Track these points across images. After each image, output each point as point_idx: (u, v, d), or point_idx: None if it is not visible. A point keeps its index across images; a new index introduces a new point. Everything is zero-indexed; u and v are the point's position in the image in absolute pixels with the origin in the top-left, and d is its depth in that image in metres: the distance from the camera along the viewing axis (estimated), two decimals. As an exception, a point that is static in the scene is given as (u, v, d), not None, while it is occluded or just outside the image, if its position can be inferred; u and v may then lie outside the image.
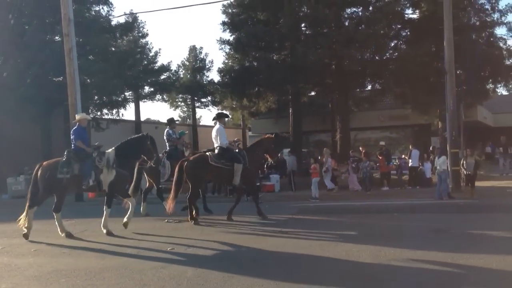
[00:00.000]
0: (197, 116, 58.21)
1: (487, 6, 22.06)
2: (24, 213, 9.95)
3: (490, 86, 24.07)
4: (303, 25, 23.38)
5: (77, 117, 11.22)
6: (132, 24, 30.01)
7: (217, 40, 24.68)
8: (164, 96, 42.80)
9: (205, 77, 47.19)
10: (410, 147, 20.55)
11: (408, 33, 23.32)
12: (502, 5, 22.04)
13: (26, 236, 9.77)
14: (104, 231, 10.01)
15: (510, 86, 27.77)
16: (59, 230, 10.04)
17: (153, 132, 43.18)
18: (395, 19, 22.23)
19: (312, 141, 35.17)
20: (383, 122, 29.20)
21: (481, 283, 5.67)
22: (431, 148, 21.68)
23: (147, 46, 37.00)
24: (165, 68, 36.74)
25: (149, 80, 35.26)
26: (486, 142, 30.07)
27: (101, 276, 6.50)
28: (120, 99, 28.25)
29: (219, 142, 11.47)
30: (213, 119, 12.49)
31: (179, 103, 50.61)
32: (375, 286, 5.66)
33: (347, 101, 25.24)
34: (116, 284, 6.09)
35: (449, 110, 17.49)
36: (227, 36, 24.99)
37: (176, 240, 8.99)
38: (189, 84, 45.06)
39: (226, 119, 12.97)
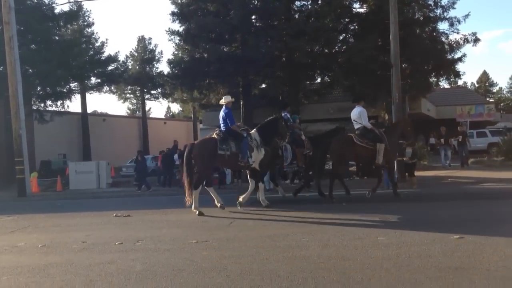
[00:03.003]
0: (147, 108, 57.28)
1: (430, 2, 22.86)
2: (191, 195, 10.99)
3: (433, 79, 24.96)
4: (253, 17, 23.38)
5: (225, 100, 12.00)
6: (76, 13, 29.05)
7: (166, 31, 24.26)
8: (112, 88, 41.79)
9: (154, 68, 46.56)
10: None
11: (356, 26, 23.83)
12: (444, 1, 22.85)
13: (201, 213, 10.87)
14: (264, 204, 11.63)
15: (452, 79, 28.84)
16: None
17: (101, 124, 42.05)
18: (343, 13, 22.65)
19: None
20: (333, 114, 29.71)
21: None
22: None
23: (93, 36, 36.00)
24: (112, 58, 35.83)
25: (95, 71, 34.29)
26: (430, 133, 31.27)
27: (46, 272, 6.27)
28: (65, 90, 27.38)
29: (363, 123, 12.20)
30: (353, 101, 13.07)
31: (127, 95, 49.67)
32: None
33: (298, 93, 25.53)
34: (61, 280, 5.89)
35: (395, 103, 18.03)
36: (177, 26, 24.52)
37: (124, 235, 8.80)
38: (138, 76, 44.25)
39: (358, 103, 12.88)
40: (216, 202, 11.72)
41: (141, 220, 10.83)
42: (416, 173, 16.09)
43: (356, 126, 12.42)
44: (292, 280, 5.44)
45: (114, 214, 11.52)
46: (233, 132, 11.57)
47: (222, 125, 11.81)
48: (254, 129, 11.99)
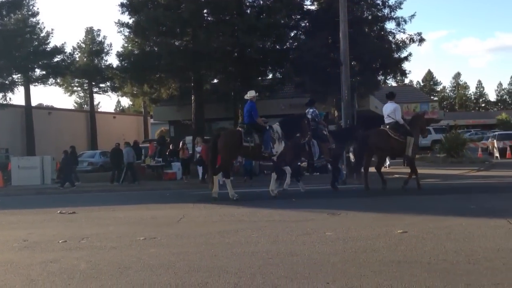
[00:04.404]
0: (95, 102, 55.80)
1: (379, 1, 23.38)
2: (212, 180, 12.23)
3: (381, 77, 25.61)
4: (205, 11, 23.15)
5: (250, 94, 12.83)
6: (20, 2, 27.80)
7: (116, 23, 23.60)
8: (58, 80, 40.25)
9: (103, 61, 45.26)
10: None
11: (307, 24, 24.07)
12: (392, 1, 23.47)
13: (215, 199, 12.09)
14: (272, 194, 12.39)
15: (398, 78, 29.73)
16: (230, 194, 12.22)
17: (46, 118, 40.63)
18: (295, 10, 22.81)
19: (215, 129, 35.17)
20: (284, 110, 29.88)
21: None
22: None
23: (38, 26, 34.48)
24: (58, 50, 34.51)
25: (40, 63, 32.94)
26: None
27: (-17, 273, 5.98)
28: (7, 82, 26.19)
29: (396, 118, 12.98)
30: (387, 97, 13.72)
31: (75, 88, 48.06)
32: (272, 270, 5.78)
33: (249, 89, 25.51)
34: (0, 281, 5.63)
35: (344, 100, 18.39)
36: (126, 18, 23.89)
37: (69, 232, 8.52)
38: (85, 68, 42.93)
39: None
40: (230, 195, 12.40)
41: (87, 217, 10.54)
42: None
43: (388, 121, 13.19)
44: (240, 276, 5.43)
45: (59, 211, 11.16)
46: (257, 125, 12.40)
47: (245, 118, 12.69)
48: (277, 123, 12.91)
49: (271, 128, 12.48)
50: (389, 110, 13.19)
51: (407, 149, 12.88)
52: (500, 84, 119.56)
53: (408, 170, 13.79)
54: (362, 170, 13.68)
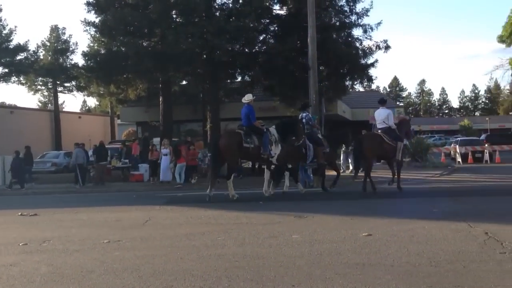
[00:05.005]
0: (60, 101, 54.64)
1: (346, 8, 23.72)
2: (214, 184, 12.63)
3: (349, 82, 25.96)
4: (174, 12, 22.94)
5: (248, 98, 13.23)
6: (-18, -3, 26.88)
7: (82, 21, 23.10)
8: (21, 79, 39.18)
9: (68, 60, 44.34)
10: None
11: (276, 28, 24.19)
12: (359, 8, 23.86)
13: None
14: (266, 194, 12.99)
15: (365, 83, 30.17)
16: (230, 194, 12.49)
17: (8, 117, 39.45)
18: (264, 14, 22.88)
19: (183, 131, 34.97)
20: (254, 113, 30.02)
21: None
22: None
23: (0, 23, 33.54)
24: (21, 47, 33.65)
25: (2, 60, 32.01)
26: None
27: None
28: (-34, 79, 25.29)
29: (389, 123, 13.39)
30: (379, 102, 14.24)
31: (38, 86, 46.83)
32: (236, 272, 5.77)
33: (218, 91, 25.49)
34: (-44, 286, 5.42)
35: (312, 104, 18.53)
36: (93, 17, 23.36)
37: (30, 235, 8.30)
38: (50, 67, 42.00)
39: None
40: (230, 195, 12.67)
41: (49, 219, 10.29)
42: (329, 173, 16.64)
43: (380, 126, 13.62)
44: (206, 279, 5.40)
45: (20, 213, 10.86)
46: (255, 128, 12.84)
47: (243, 121, 13.01)
48: (273, 126, 13.36)
49: (269, 131, 12.98)
50: (383, 116, 13.62)
51: (397, 153, 13.43)
52: (463, 91, 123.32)
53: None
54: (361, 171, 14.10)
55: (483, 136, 39.13)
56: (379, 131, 13.72)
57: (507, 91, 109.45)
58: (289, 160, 13.55)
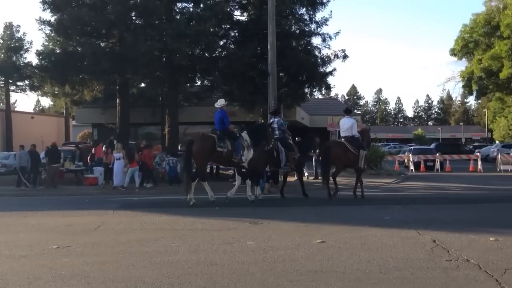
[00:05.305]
0: (12, 100, 52.84)
1: (306, 17, 24.03)
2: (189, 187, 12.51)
3: (307, 90, 26.28)
4: (133, 13, 22.58)
5: (221, 103, 13.41)
6: None
7: (37, 20, 22.38)
8: (-30, 77, 37.66)
9: (22, 58, 42.98)
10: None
11: (237, 33, 24.24)
12: (318, 17, 24.22)
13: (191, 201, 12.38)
14: (250, 199, 13.05)
15: (324, 91, 30.64)
16: (209, 195, 12.75)
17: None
18: (225, 19, 22.87)
19: (141, 134, 34.46)
20: (212, 117, 29.90)
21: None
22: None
23: (-50, 18, 32.13)
24: (-28, 44, 32.26)
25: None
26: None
27: None
28: None
29: (353, 132, 13.81)
30: (344, 112, 14.93)
31: (-11, 85, 45.12)
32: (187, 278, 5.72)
33: (177, 95, 25.26)
34: None
35: (270, 110, 18.65)
36: (48, 16, 22.64)
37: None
38: (2, 65, 40.64)
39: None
40: (209, 196, 12.86)
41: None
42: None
43: (344, 134, 14.06)
44: (157, 286, 5.33)
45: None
46: (229, 132, 13.05)
47: (217, 125, 13.17)
48: (245, 131, 13.69)
49: (241, 136, 13.20)
50: (347, 125, 14.07)
51: (360, 161, 13.87)
52: (417, 101, 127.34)
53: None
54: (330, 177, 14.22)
55: (432, 145, 40.58)
56: (342, 139, 14.10)
57: (459, 102, 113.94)
58: (259, 165, 13.79)
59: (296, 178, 15.87)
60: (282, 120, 15.34)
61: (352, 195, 13.98)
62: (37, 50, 22.95)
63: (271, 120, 14.93)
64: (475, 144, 63.88)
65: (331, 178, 14.01)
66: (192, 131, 32.83)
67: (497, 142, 58.55)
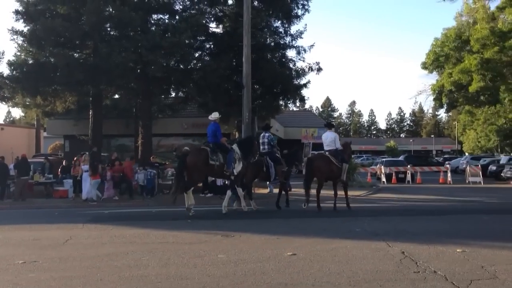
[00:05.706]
0: (-19, 111, 51.52)
1: (281, 30, 24.32)
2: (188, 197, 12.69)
3: (282, 102, 26.48)
4: (108, 25, 22.44)
5: (215, 116, 13.65)
6: None
7: (9, 30, 22.03)
8: None
9: (-8, 68, 42.11)
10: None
11: (212, 46, 24.33)
12: (293, 30, 24.52)
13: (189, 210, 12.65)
14: (245, 209, 13.67)
15: (298, 103, 30.94)
16: (187, 204, 12.84)
17: None
18: (200, 31, 22.94)
19: (114, 145, 34.05)
20: (187, 129, 29.78)
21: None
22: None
23: None
24: None
25: None
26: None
27: None
28: None
29: (336, 146, 14.16)
30: (325, 126, 15.59)
31: (-43, 95, 43.98)
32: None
33: (151, 106, 25.12)
34: None
35: (245, 122, 18.74)
36: (21, 26, 22.34)
37: None
38: (-29, 75, 39.60)
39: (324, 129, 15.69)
40: (186, 204, 12.92)
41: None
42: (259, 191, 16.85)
43: (328, 148, 14.29)
44: (125, 302, 5.26)
45: None
46: (221, 145, 13.31)
47: (209, 138, 13.36)
48: (235, 144, 14.02)
49: (233, 149, 13.49)
50: (330, 139, 14.38)
51: (342, 174, 14.23)
52: (390, 113, 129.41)
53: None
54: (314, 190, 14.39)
55: (401, 157, 41.29)
56: (327, 153, 14.33)
57: (430, 115, 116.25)
58: (247, 177, 14.11)
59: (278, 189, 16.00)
60: (273, 136, 15.70)
61: (341, 207, 14.14)
62: (8, 61, 22.54)
63: (262, 135, 15.27)
64: (446, 156, 65.29)
65: (313, 191, 14.17)
66: (166, 143, 32.64)
67: (466, 154, 59.94)
